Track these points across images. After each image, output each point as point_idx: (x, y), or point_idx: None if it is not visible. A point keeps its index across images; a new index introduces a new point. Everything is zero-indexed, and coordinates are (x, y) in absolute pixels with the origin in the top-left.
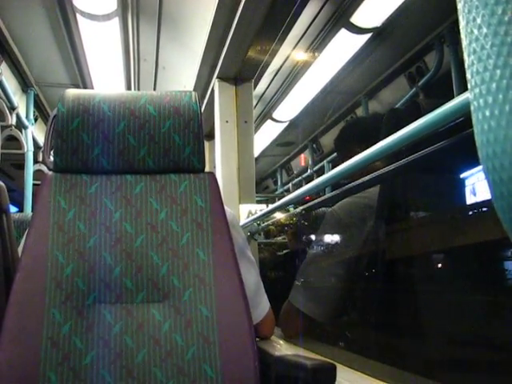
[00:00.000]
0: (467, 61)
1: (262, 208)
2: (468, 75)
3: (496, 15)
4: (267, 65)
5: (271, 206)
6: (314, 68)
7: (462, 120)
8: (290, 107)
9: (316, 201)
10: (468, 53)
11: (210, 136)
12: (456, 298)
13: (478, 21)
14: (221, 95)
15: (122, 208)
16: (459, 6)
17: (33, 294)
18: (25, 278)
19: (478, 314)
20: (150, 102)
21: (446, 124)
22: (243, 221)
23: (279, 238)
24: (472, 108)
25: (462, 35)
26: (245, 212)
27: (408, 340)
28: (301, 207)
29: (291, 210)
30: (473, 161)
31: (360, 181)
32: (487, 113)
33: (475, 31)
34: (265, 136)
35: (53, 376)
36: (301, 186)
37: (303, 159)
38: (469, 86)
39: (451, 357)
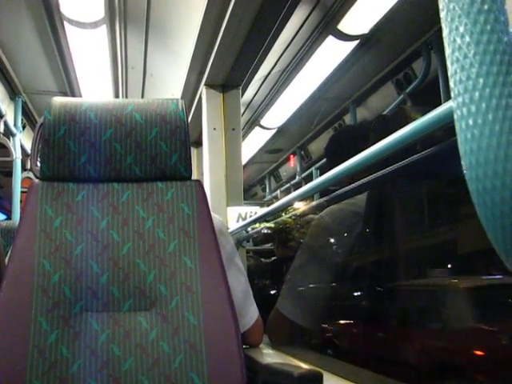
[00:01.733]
0: (450, 69)
1: (251, 211)
2: (451, 84)
3: (478, 24)
4: (255, 72)
5: (260, 213)
6: (301, 75)
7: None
8: (278, 114)
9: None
10: (451, 61)
11: (198, 143)
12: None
13: (461, 29)
14: (208, 102)
15: (109, 216)
16: (442, 14)
17: (19, 302)
18: (11, 286)
19: None
20: (137, 109)
21: (431, 131)
22: (231, 225)
23: (267, 245)
24: (455, 117)
25: (445, 44)
26: (232, 215)
27: (396, 349)
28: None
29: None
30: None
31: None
32: (470, 122)
33: (458, 40)
34: (253, 143)
35: None
36: (289, 192)
37: (292, 161)
38: (452, 95)
39: None
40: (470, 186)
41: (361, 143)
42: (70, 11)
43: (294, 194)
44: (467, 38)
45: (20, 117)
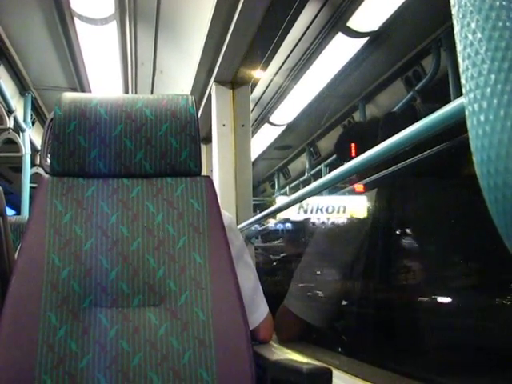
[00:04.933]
0: (462, 66)
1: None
2: (463, 80)
3: (490, 20)
4: (264, 69)
5: (270, 209)
6: (311, 72)
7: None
8: (288, 111)
9: None
10: (462, 58)
11: (208, 139)
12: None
13: (473, 26)
14: (218, 99)
15: (119, 211)
16: (453, 10)
17: (29, 297)
18: (21, 281)
19: None
20: (147, 105)
21: (442, 128)
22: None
23: (276, 242)
24: (467, 113)
25: (457, 40)
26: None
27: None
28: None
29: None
30: None
31: None
32: (482, 118)
33: (470, 36)
34: (262, 139)
35: (48, 380)
36: (298, 189)
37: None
38: (463, 91)
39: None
40: (481, 183)
41: (370, 140)
42: (80, 7)
43: (303, 190)
44: (479, 35)
45: (30, 112)
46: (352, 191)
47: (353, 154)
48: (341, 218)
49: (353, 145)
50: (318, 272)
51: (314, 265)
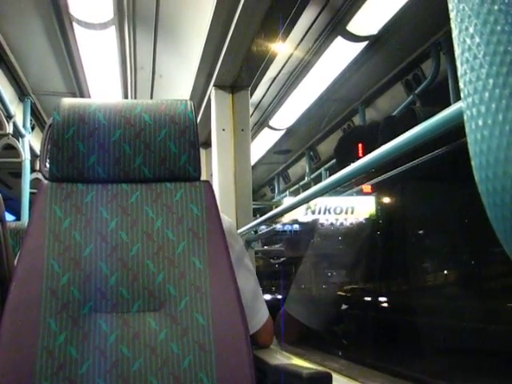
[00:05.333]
0: (460, 70)
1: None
2: (461, 84)
3: (488, 24)
4: (264, 73)
5: (270, 213)
6: (310, 76)
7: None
8: (287, 115)
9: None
10: (461, 62)
11: (207, 144)
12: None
13: (471, 30)
14: (217, 103)
15: (118, 217)
16: (452, 15)
17: (28, 303)
18: (20, 287)
19: None
20: (146, 110)
21: (441, 132)
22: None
23: (276, 246)
24: (465, 117)
25: (455, 44)
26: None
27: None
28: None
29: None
30: None
31: None
32: (480, 122)
33: (468, 40)
34: (262, 144)
35: None
36: (298, 193)
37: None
38: (462, 96)
39: None
40: (480, 187)
41: (370, 144)
42: (79, 12)
43: (303, 194)
44: (477, 39)
45: (29, 118)
46: (359, 192)
47: (360, 155)
48: (341, 221)
49: (360, 145)
50: (318, 276)
51: (314, 268)
